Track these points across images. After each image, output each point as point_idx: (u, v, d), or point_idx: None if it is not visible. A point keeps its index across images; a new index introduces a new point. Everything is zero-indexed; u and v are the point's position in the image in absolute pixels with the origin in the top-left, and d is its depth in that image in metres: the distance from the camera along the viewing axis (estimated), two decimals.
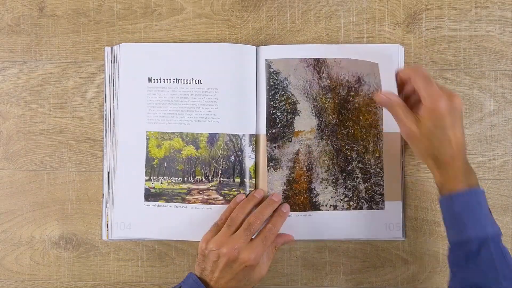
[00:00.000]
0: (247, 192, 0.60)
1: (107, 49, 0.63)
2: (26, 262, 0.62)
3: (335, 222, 0.61)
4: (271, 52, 0.61)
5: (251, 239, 0.55)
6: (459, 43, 0.63)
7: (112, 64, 0.62)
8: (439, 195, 0.53)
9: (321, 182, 0.61)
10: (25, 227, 0.63)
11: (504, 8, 0.63)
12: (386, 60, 0.60)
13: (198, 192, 0.61)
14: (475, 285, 0.49)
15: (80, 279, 0.63)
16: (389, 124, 0.61)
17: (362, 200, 0.60)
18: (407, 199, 0.62)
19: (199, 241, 0.59)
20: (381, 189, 0.60)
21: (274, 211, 0.59)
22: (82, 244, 0.63)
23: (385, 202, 0.61)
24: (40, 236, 0.63)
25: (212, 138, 0.61)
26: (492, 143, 0.62)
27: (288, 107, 0.61)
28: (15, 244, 0.63)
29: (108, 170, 0.62)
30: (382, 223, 0.61)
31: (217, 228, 0.57)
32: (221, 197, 0.61)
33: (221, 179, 0.61)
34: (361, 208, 0.60)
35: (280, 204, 0.59)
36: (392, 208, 0.61)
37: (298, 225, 0.61)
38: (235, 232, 0.55)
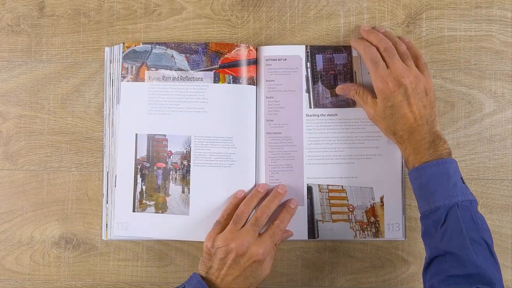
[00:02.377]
0: (250, 188, 0.60)
1: (107, 49, 0.63)
2: (26, 262, 0.62)
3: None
4: (271, 52, 0.62)
5: (259, 234, 0.55)
6: (459, 43, 0.63)
7: (111, 64, 0.62)
8: (407, 169, 0.55)
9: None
10: (25, 227, 0.63)
11: (504, 8, 0.63)
12: None
13: None
14: (445, 252, 0.49)
15: (80, 279, 0.63)
16: None
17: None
18: (407, 199, 0.62)
19: (199, 241, 0.59)
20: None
21: (281, 205, 0.58)
22: (82, 244, 0.63)
23: (384, 201, 0.61)
24: (40, 236, 0.63)
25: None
26: (492, 143, 0.62)
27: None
28: (15, 244, 0.63)
29: (108, 170, 0.62)
30: (382, 224, 0.61)
31: (220, 225, 0.57)
32: None
33: None
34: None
35: (288, 200, 0.59)
36: (392, 208, 0.61)
37: (299, 224, 0.61)
38: (241, 228, 0.55)
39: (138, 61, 0.62)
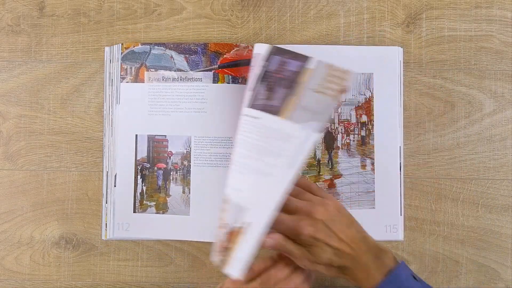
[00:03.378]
0: None
1: (107, 49, 0.63)
2: (26, 262, 0.63)
3: None
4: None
5: None
6: (459, 43, 0.63)
7: (111, 64, 0.62)
8: None
9: None
10: (25, 227, 0.63)
11: (504, 8, 0.63)
12: (383, 66, 0.60)
13: None
14: None
15: (80, 279, 0.63)
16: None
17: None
18: (407, 199, 0.62)
19: (199, 241, 0.59)
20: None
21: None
22: (82, 244, 0.63)
23: (382, 203, 0.61)
24: (40, 236, 0.63)
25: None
26: (492, 143, 0.62)
27: None
28: (15, 244, 0.63)
29: (108, 170, 0.62)
30: (380, 225, 0.61)
31: (250, 275, 0.51)
32: None
33: None
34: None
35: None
36: (390, 210, 0.61)
37: None
38: None
39: (137, 62, 0.62)
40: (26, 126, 0.63)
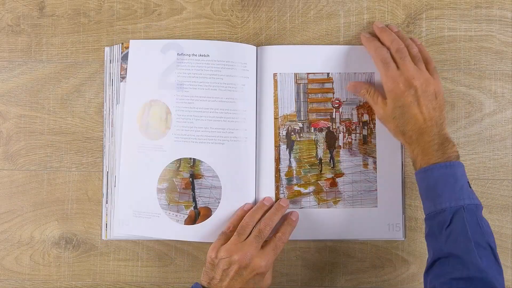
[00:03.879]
0: (254, 200, 0.60)
1: (107, 49, 0.63)
2: (26, 262, 0.62)
3: (335, 221, 0.61)
4: (272, 52, 0.61)
5: (262, 247, 0.55)
6: (459, 43, 0.63)
7: (111, 64, 0.62)
8: (414, 169, 0.54)
9: None
10: (25, 227, 0.63)
11: (504, 8, 0.63)
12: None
13: None
14: (448, 254, 0.49)
15: (80, 279, 0.63)
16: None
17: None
18: (407, 199, 0.62)
19: (199, 241, 0.59)
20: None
21: (283, 218, 0.58)
22: (82, 244, 0.63)
23: (384, 202, 0.61)
24: (40, 236, 0.63)
25: None
26: (492, 143, 0.62)
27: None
28: (15, 244, 0.63)
29: (108, 170, 0.62)
30: (382, 224, 0.61)
31: (225, 236, 0.56)
32: None
33: None
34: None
35: (289, 213, 0.59)
36: (392, 208, 0.61)
37: (299, 223, 0.60)
38: (245, 240, 0.55)
39: None
40: (26, 126, 0.63)
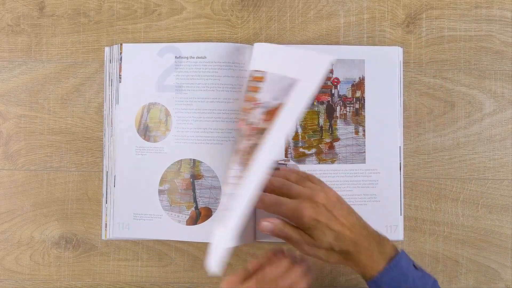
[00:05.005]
0: None
1: (107, 49, 0.63)
2: (26, 262, 0.63)
3: None
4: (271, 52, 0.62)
5: None
6: (459, 43, 0.63)
7: (111, 64, 0.62)
8: (366, 281, 0.51)
9: None
10: (25, 227, 0.63)
11: (504, 8, 0.63)
12: (383, 66, 0.61)
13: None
14: None
15: (80, 279, 0.63)
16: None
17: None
18: (407, 199, 0.62)
19: (199, 241, 0.59)
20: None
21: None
22: (82, 244, 0.63)
23: (383, 202, 0.61)
24: (40, 236, 0.63)
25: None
26: (492, 143, 0.62)
27: None
28: (15, 244, 0.63)
29: (107, 170, 0.62)
30: (381, 224, 0.61)
31: (245, 275, 0.50)
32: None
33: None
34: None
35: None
36: (391, 209, 0.61)
37: None
38: None
39: None
40: (26, 126, 0.63)
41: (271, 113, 0.53)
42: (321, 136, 0.62)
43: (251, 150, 0.52)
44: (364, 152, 0.61)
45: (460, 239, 0.62)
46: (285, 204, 0.49)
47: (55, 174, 0.63)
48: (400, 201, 0.61)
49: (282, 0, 0.64)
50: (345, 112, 0.62)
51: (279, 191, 0.51)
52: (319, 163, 0.61)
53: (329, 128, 0.62)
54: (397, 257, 0.49)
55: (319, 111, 0.62)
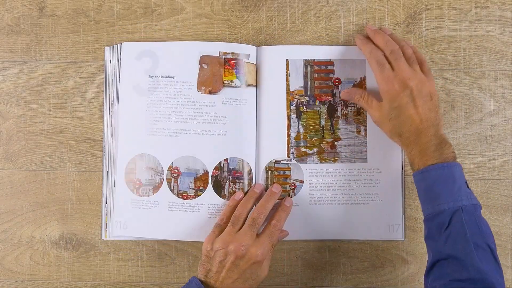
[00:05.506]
0: (245, 189, 0.60)
1: (107, 49, 0.63)
2: (26, 262, 0.62)
3: (335, 220, 0.61)
4: (271, 52, 0.62)
5: (257, 235, 0.55)
6: (459, 43, 0.63)
7: (111, 64, 0.62)
8: (412, 171, 0.54)
9: None
10: (25, 227, 0.63)
11: (504, 8, 0.63)
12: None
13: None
14: (448, 256, 0.49)
15: (80, 279, 0.63)
16: None
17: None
18: (407, 199, 0.62)
19: (199, 241, 0.59)
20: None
21: (277, 204, 0.59)
22: (82, 244, 0.63)
23: (384, 202, 0.61)
24: (40, 236, 0.63)
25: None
26: (492, 143, 0.62)
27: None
28: (15, 244, 0.63)
29: (108, 170, 0.62)
30: (382, 224, 0.61)
31: (219, 228, 0.57)
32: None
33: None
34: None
35: (283, 199, 0.59)
36: (392, 208, 0.61)
37: (297, 222, 0.61)
38: (239, 229, 0.55)
39: None
40: (26, 126, 0.63)
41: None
42: (323, 135, 0.62)
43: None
44: (366, 151, 0.61)
45: None
46: (386, 70, 0.55)
47: (55, 174, 0.63)
48: (402, 200, 0.61)
49: (282, 0, 0.64)
50: (346, 112, 0.62)
51: (389, 52, 0.56)
52: (320, 163, 0.61)
53: (330, 127, 0.62)
54: (452, 163, 0.51)
55: (320, 111, 0.62)
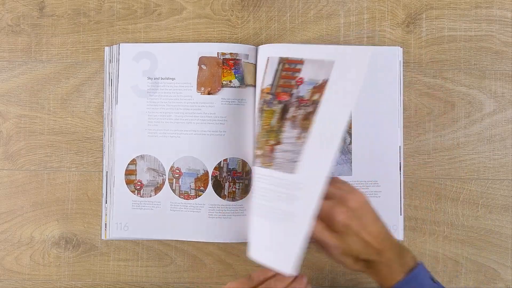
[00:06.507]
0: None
1: (107, 49, 0.63)
2: (26, 262, 0.63)
3: None
4: (271, 51, 0.61)
5: None
6: (459, 43, 0.63)
7: (111, 64, 0.62)
8: None
9: None
10: (25, 227, 0.63)
11: (504, 8, 0.63)
12: (383, 66, 0.61)
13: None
14: None
15: (80, 279, 0.63)
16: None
17: None
18: (407, 199, 0.62)
19: (199, 241, 0.59)
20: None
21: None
22: (82, 244, 0.63)
23: (383, 202, 0.61)
24: (40, 236, 0.63)
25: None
26: (492, 143, 0.62)
27: None
28: (15, 244, 0.63)
29: (107, 170, 0.62)
30: None
31: (248, 284, 0.51)
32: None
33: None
34: None
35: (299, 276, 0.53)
36: (391, 209, 0.61)
37: None
38: None
39: None
40: (26, 126, 0.63)
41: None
42: (268, 137, 0.57)
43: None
44: (297, 161, 0.55)
45: (460, 239, 0.62)
46: (319, 207, 0.49)
47: (55, 174, 0.63)
48: (400, 201, 0.61)
49: (282, 0, 0.64)
50: (295, 114, 0.57)
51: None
52: (262, 166, 0.56)
53: (278, 129, 0.57)
54: (416, 270, 0.49)
55: (274, 111, 0.58)
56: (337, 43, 0.63)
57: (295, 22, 0.63)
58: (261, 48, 0.61)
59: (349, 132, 0.61)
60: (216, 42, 0.62)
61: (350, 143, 0.61)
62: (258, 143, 0.57)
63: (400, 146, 0.61)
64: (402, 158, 0.61)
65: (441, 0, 0.63)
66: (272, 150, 0.56)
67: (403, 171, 0.62)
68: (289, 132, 0.55)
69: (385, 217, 0.60)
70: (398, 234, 0.61)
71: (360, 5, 0.63)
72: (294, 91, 0.57)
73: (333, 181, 0.52)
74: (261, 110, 0.58)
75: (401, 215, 0.61)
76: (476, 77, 0.63)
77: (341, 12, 0.63)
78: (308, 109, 0.56)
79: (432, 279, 0.50)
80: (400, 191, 0.61)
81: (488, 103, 0.63)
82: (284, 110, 0.57)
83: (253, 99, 0.61)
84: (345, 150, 0.61)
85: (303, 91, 0.57)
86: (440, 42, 0.63)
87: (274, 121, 0.57)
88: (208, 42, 0.62)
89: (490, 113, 0.63)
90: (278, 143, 0.56)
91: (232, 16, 0.63)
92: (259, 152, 0.56)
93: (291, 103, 0.57)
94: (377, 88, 0.61)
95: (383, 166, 0.61)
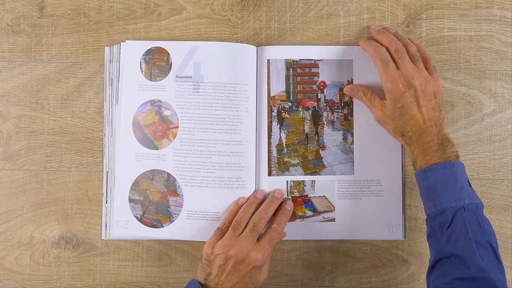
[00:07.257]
0: (249, 194, 0.60)
1: (107, 49, 0.63)
2: (26, 262, 0.62)
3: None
4: (271, 52, 0.61)
5: (257, 240, 0.55)
6: (459, 43, 0.63)
7: (111, 64, 0.62)
8: (415, 170, 0.55)
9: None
10: (25, 227, 0.63)
11: (504, 8, 0.63)
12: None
13: None
14: (450, 254, 0.49)
15: (80, 279, 0.63)
16: None
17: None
18: (407, 199, 0.62)
19: (199, 241, 0.59)
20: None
21: (278, 209, 0.58)
22: (82, 244, 0.63)
23: (384, 202, 0.61)
24: (40, 236, 0.63)
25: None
26: (492, 143, 0.62)
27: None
28: (15, 244, 0.63)
29: (107, 170, 0.62)
30: (382, 224, 0.61)
31: (221, 232, 0.57)
32: None
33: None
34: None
35: (283, 202, 0.59)
36: (392, 208, 0.61)
37: (298, 226, 0.61)
38: (240, 234, 0.55)
39: None
40: (26, 126, 0.63)
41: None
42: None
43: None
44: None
45: None
46: (390, 69, 0.55)
47: (55, 174, 0.63)
48: (403, 201, 0.61)
49: (282, 0, 0.64)
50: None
51: (393, 50, 0.56)
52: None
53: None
54: (454, 162, 0.52)
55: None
56: (337, 43, 0.63)
57: (295, 22, 0.63)
58: (260, 50, 0.61)
59: (351, 131, 0.61)
60: (216, 41, 0.62)
61: (352, 142, 0.61)
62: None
63: (402, 146, 0.61)
64: (402, 159, 0.61)
65: (441, 0, 0.63)
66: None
67: (404, 171, 0.61)
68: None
69: (387, 216, 0.61)
70: (399, 234, 0.61)
71: (360, 5, 0.63)
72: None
73: (418, 59, 0.56)
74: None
75: (403, 214, 0.61)
76: (476, 77, 0.63)
77: (341, 12, 0.63)
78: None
79: (469, 184, 0.52)
80: (403, 191, 0.61)
81: (488, 103, 0.63)
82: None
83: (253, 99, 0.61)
84: (347, 149, 0.61)
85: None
86: (440, 42, 0.63)
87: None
88: (208, 41, 0.62)
89: (490, 113, 0.63)
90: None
91: (232, 16, 0.63)
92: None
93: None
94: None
95: (385, 166, 0.61)
